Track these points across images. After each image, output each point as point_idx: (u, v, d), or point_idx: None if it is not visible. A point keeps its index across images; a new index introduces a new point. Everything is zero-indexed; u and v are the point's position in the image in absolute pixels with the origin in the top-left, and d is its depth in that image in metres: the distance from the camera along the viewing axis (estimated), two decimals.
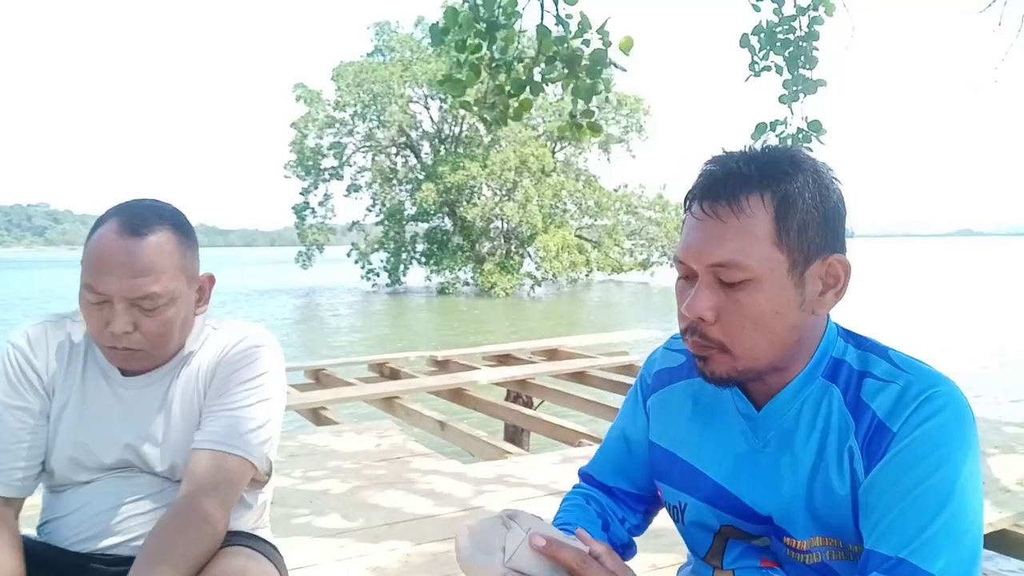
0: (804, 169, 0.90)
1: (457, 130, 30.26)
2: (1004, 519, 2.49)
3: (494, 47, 3.61)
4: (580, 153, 30.12)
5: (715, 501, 1.00)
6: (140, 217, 1.19)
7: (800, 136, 4.39)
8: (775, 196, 0.88)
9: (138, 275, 1.16)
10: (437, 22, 3.62)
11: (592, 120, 3.82)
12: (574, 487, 1.21)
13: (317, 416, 4.57)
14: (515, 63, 3.66)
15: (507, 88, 3.68)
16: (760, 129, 4.34)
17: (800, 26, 4.31)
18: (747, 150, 0.92)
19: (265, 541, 1.37)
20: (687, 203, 0.94)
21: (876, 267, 44.67)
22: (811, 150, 4.45)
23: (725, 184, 0.89)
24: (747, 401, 0.98)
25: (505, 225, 27.82)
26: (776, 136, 4.37)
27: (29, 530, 1.31)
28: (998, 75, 4.87)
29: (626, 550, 1.16)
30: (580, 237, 28.60)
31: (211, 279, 1.31)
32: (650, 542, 2.18)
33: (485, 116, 3.82)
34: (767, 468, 0.96)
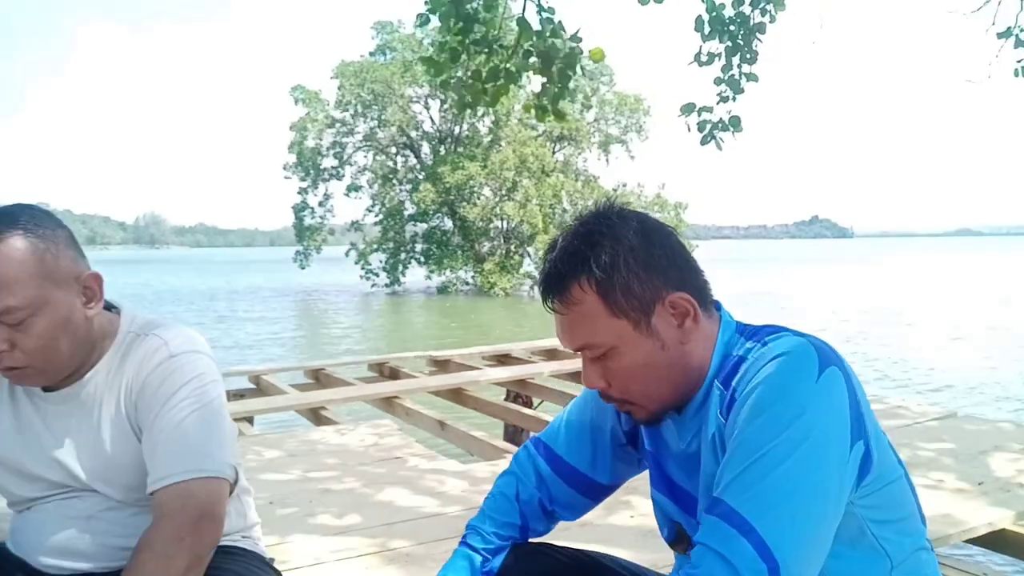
0: (618, 234, 0.98)
1: (457, 130, 30.24)
2: (1004, 519, 2.48)
3: (471, 36, 3.70)
4: (579, 153, 30.13)
5: (673, 495, 1.11)
6: None
7: (719, 125, 4.68)
8: (591, 277, 0.97)
9: None
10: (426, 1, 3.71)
11: (557, 107, 3.94)
12: (523, 450, 1.30)
13: (317, 416, 4.57)
14: (495, 47, 3.75)
15: (483, 74, 3.77)
16: (689, 107, 4.66)
17: (753, 18, 4.49)
18: (572, 229, 1.02)
19: (249, 558, 1.32)
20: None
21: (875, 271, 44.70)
22: (722, 141, 4.74)
23: (551, 281, 1.01)
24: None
25: (505, 225, 27.81)
26: (698, 121, 4.66)
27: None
28: (993, 74, 4.98)
29: (543, 532, 1.27)
30: None
31: (96, 277, 1.20)
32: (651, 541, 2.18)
33: (463, 98, 3.90)
34: (692, 465, 1.04)
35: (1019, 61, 4.89)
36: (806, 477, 0.85)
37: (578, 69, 3.77)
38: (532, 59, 3.75)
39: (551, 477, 1.24)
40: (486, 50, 3.75)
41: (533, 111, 4.03)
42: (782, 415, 0.87)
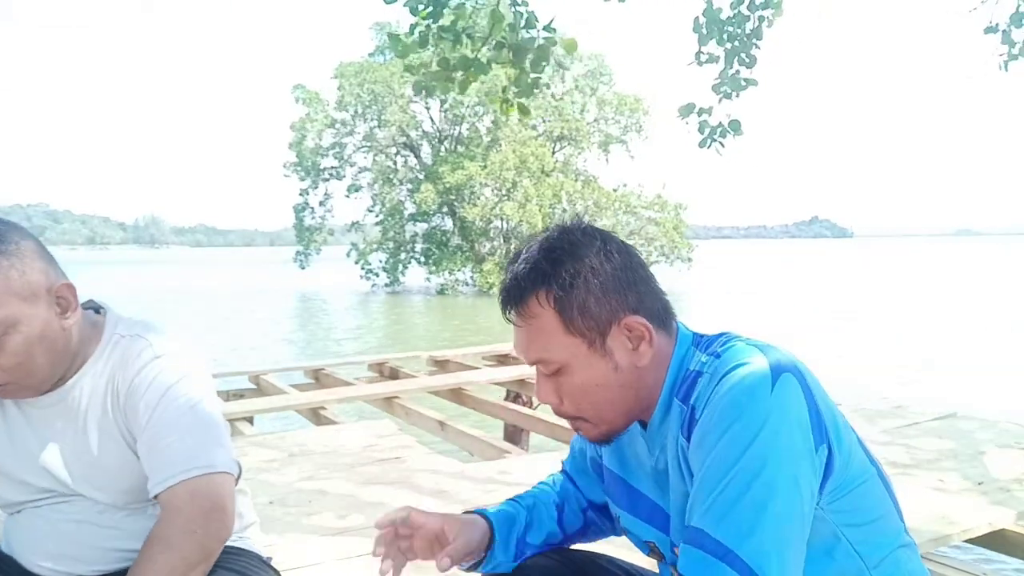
0: (580, 252, 0.99)
1: (457, 130, 30.25)
2: (1004, 519, 2.48)
3: (439, 22, 3.69)
4: (579, 153, 30.13)
5: (647, 513, 1.09)
6: None
7: (719, 130, 4.67)
8: (550, 293, 0.97)
9: None
10: None
11: (521, 101, 3.94)
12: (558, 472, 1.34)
13: (317, 416, 4.57)
14: (464, 36, 3.74)
15: (452, 62, 3.76)
16: (688, 108, 4.65)
17: (752, 21, 4.50)
18: (534, 244, 1.02)
19: (246, 557, 1.32)
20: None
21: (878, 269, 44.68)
22: (723, 145, 4.71)
23: (511, 292, 1.01)
24: (639, 421, 1.06)
25: (505, 225, 27.80)
26: (699, 123, 4.65)
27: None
28: (991, 72, 5.02)
29: (580, 535, 1.28)
30: None
31: (69, 287, 1.18)
32: None
33: (427, 83, 3.88)
34: (663, 481, 1.04)
35: (1001, 55, 4.91)
36: (778, 492, 0.85)
37: (551, 59, 3.76)
38: (504, 50, 3.73)
39: (576, 492, 1.29)
40: (453, 38, 3.71)
41: (498, 107, 4.03)
42: (743, 434, 0.87)
